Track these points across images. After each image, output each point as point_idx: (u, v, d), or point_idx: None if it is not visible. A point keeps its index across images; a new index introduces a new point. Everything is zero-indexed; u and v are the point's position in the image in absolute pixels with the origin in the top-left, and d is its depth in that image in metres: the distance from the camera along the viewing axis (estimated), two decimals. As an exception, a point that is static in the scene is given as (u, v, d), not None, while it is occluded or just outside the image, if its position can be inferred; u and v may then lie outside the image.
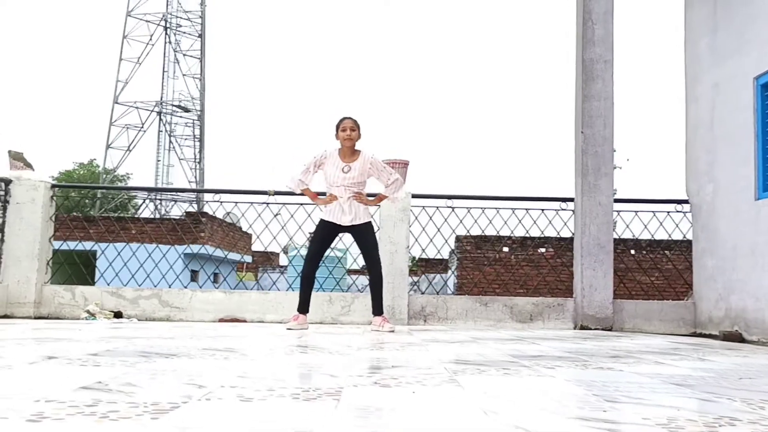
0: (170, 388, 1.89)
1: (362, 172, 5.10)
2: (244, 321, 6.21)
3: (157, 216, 29.66)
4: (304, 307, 5.08)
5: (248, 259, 23.90)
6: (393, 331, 4.96)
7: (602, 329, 6.16)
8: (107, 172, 40.86)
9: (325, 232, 5.18)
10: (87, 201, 43.83)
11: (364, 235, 5.18)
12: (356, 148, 5.15)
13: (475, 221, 6.77)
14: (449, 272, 18.36)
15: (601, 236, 6.33)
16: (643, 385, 2.27)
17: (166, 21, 40.53)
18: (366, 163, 5.10)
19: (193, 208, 40.08)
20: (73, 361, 2.44)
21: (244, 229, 21.88)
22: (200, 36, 41.84)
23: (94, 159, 46.94)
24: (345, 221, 5.11)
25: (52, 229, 6.56)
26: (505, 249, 15.97)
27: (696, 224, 6.48)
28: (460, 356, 3.07)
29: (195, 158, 41.71)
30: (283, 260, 26.40)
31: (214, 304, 6.35)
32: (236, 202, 6.85)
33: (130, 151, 40.04)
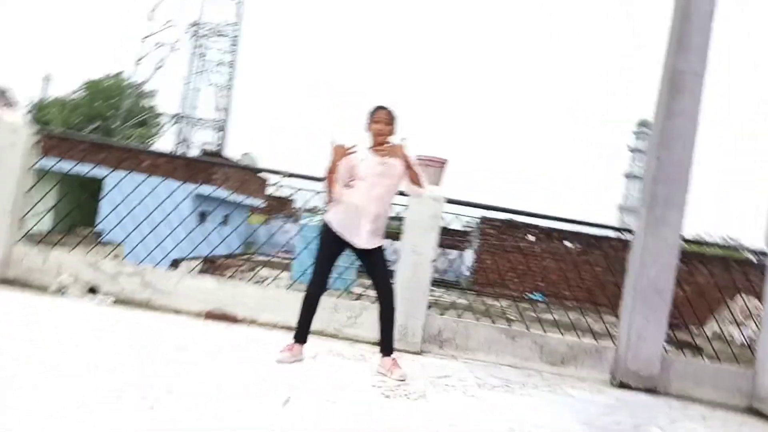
0: None
1: (396, 163, 4.19)
2: (235, 319, 5.39)
3: (176, 146, 28.74)
4: (301, 336, 4.19)
5: (260, 203, 23.11)
6: (404, 380, 4.11)
7: (645, 390, 5.27)
8: (133, 85, 39.97)
9: (333, 247, 4.21)
10: (111, 111, 43.28)
11: (375, 260, 4.25)
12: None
13: (515, 237, 5.85)
14: (468, 249, 17.46)
15: (660, 280, 5.38)
16: None
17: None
18: (399, 151, 4.16)
19: (217, 138, 39.34)
20: None
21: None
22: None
23: (123, 71, 46.05)
24: (359, 243, 4.17)
25: (31, 180, 5.72)
26: (531, 237, 15.01)
27: (771, 281, 5.52)
28: None
29: (226, 84, 40.66)
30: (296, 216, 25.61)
31: (204, 293, 5.53)
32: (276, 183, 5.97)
33: (159, 68, 39.08)
